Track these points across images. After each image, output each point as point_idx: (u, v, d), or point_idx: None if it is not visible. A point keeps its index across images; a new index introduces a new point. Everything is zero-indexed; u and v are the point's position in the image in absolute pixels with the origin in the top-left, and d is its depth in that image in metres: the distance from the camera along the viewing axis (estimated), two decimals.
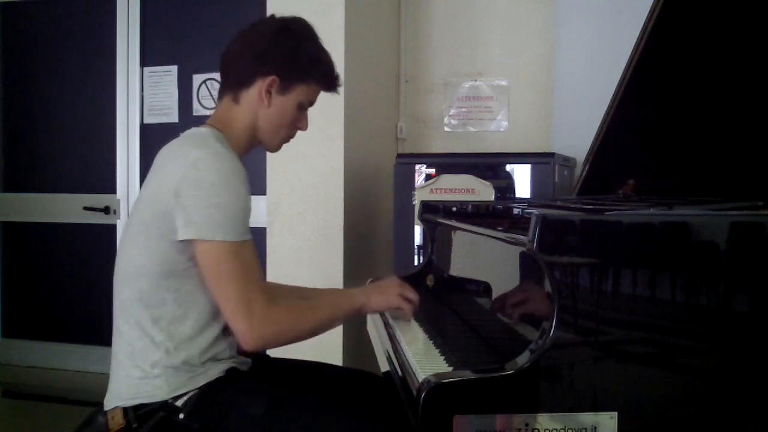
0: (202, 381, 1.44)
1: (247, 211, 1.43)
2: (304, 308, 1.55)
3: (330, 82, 1.61)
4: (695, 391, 1.21)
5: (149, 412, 1.41)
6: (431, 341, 1.55)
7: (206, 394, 1.43)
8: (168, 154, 1.49)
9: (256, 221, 2.97)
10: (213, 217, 1.37)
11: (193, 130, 1.53)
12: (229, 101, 1.57)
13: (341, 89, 1.67)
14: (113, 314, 1.51)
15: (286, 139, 1.63)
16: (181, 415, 1.40)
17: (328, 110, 2.78)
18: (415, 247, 2.80)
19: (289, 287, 1.86)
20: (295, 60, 1.53)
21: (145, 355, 1.43)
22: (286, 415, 1.41)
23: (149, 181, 1.50)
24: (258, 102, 1.54)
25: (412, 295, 1.66)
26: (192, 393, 1.42)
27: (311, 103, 1.62)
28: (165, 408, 1.41)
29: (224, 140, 1.50)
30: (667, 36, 1.89)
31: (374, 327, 1.86)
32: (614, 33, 2.70)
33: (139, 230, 1.46)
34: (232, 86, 1.56)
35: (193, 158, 1.40)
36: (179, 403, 1.41)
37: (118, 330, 1.49)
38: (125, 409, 1.42)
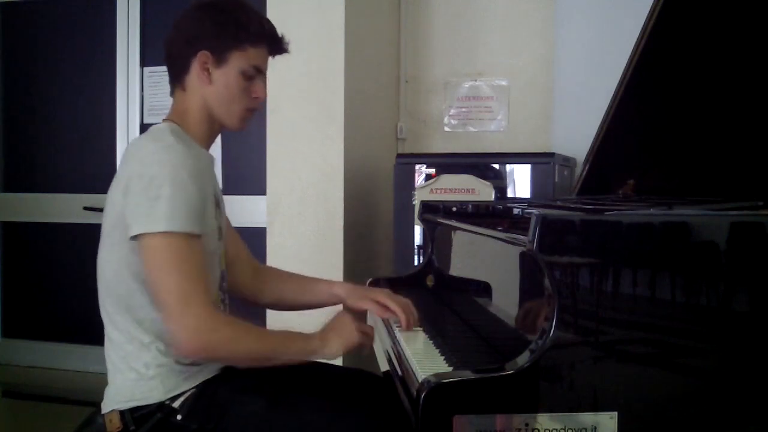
0: (198, 379, 1.43)
1: (192, 203, 1.36)
2: (250, 330, 1.42)
3: (269, 43, 1.55)
4: (695, 391, 1.21)
5: (146, 414, 1.40)
6: (431, 341, 1.55)
7: (203, 393, 1.42)
8: (125, 155, 1.47)
9: (256, 221, 3.00)
10: (154, 209, 1.33)
11: (153, 127, 1.51)
12: (179, 92, 1.54)
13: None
14: (102, 320, 1.50)
15: (246, 113, 1.56)
16: (179, 416, 1.40)
17: (328, 110, 2.78)
18: (415, 247, 2.80)
19: (287, 273, 1.87)
20: (220, 29, 1.49)
21: (137, 357, 1.42)
22: (286, 414, 1.41)
23: (111, 184, 1.47)
24: (200, 82, 1.50)
25: (368, 328, 1.58)
26: (188, 393, 1.41)
27: (258, 69, 1.54)
28: (162, 409, 1.40)
29: (181, 133, 1.48)
30: (667, 36, 1.88)
31: (374, 327, 1.86)
32: (614, 33, 2.70)
33: (106, 235, 1.46)
34: (176, 76, 1.54)
35: (141, 154, 1.40)
36: (176, 404, 1.40)
37: (108, 336, 1.48)
38: (122, 412, 1.41)
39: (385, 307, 1.68)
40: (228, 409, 1.40)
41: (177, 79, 1.54)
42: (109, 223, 1.44)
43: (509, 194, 2.71)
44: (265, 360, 1.43)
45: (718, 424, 1.20)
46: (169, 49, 1.55)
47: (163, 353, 1.42)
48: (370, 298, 1.70)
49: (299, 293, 1.82)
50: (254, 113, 1.59)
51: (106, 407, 1.45)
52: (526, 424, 1.12)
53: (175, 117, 1.53)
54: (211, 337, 1.34)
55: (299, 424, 1.40)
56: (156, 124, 1.54)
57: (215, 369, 1.47)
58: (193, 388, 1.42)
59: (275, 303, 1.87)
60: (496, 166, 2.77)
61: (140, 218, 1.34)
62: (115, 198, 1.41)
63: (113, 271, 1.44)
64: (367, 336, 1.56)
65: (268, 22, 1.56)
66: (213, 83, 1.51)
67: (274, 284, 1.82)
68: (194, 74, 1.51)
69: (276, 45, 1.57)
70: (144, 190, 1.34)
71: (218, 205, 1.56)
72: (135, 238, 1.36)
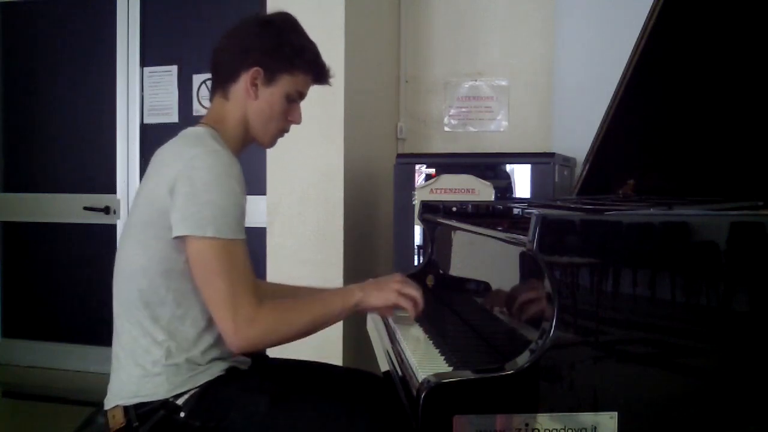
0: (203, 379, 1.44)
1: (239, 209, 1.42)
2: (292, 307, 1.50)
3: (317, 72, 1.61)
4: (695, 391, 1.21)
5: (150, 411, 1.41)
6: (431, 341, 1.55)
7: (207, 392, 1.43)
8: (166, 153, 1.49)
9: (256, 221, 3.00)
10: (203, 214, 1.37)
11: (190, 130, 1.54)
12: (220, 99, 1.58)
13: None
14: (114, 314, 1.51)
15: (279, 133, 1.63)
16: (182, 414, 1.41)
17: (328, 110, 2.78)
18: (415, 247, 2.80)
19: (286, 286, 1.86)
20: (277, 50, 1.54)
21: (146, 354, 1.43)
22: (287, 414, 1.42)
23: (147, 180, 1.50)
24: (245, 96, 1.55)
25: (414, 291, 1.55)
26: (193, 391, 1.42)
27: (301, 95, 1.61)
28: (166, 406, 1.41)
29: (219, 138, 1.51)
30: (667, 36, 1.89)
31: (374, 327, 1.86)
32: (614, 33, 2.70)
33: (138, 229, 1.47)
34: (221, 83, 1.57)
35: (189, 156, 1.41)
36: (180, 401, 1.41)
37: (118, 330, 1.49)
38: (126, 408, 1.42)
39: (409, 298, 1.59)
40: (230, 408, 1.41)
41: (222, 87, 1.57)
42: (143, 219, 1.46)
43: (509, 194, 2.71)
44: (312, 330, 1.47)
45: (718, 424, 1.20)
46: (220, 56, 1.58)
47: (173, 353, 1.43)
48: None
49: None
50: (284, 134, 1.64)
51: (109, 403, 1.46)
52: (526, 424, 1.12)
53: (212, 122, 1.56)
54: (261, 332, 1.39)
55: (301, 424, 1.41)
56: (192, 127, 1.56)
57: (220, 369, 1.47)
58: (197, 387, 1.43)
59: None
60: (496, 166, 2.77)
61: (188, 221, 1.38)
62: (156, 195, 1.42)
63: (140, 264, 1.45)
64: (411, 300, 1.54)
65: (318, 52, 1.61)
66: (258, 99, 1.55)
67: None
68: (242, 86, 1.54)
69: (322, 76, 1.63)
70: (193, 193, 1.38)
71: None
72: (181, 238, 1.39)
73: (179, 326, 1.44)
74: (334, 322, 1.53)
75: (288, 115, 1.60)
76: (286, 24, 1.59)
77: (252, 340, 1.40)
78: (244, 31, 1.57)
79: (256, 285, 1.44)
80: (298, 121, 1.63)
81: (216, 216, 1.38)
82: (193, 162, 1.40)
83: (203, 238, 1.37)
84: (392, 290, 1.54)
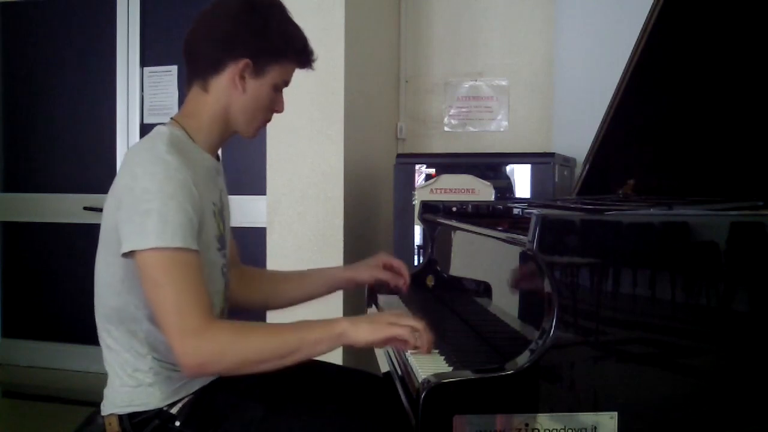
0: (196, 386, 1.41)
1: (184, 215, 1.28)
2: (256, 327, 1.35)
3: (305, 59, 1.48)
4: (695, 391, 1.21)
5: (144, 420, 1.38)
6: None
7: (201, 399, 1.41)
8: (123, 161, 1.40)
9: (256, 221, 3.01)
10: (145, 224, 1.26)
11: (155, 129, 1.41)
12: (197, 90, 1.45)
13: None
14: (96, 326, 1.46)
15: (263, 124, 1.51)
16: (177, 422, 1.38)
17: (328, 110, 2.79)
18: (415, 247, 2.80)
19: (282, 272, 1.85)
20: (266, 39, 1.41)
21: (134, 365, 1.40)
22: (284, 418, 1.40)
23: (109, 191, 1.41)
24: (230, 89, 1.42)
25: (410, 321, 1.34)
26: (187, 399, 1.40)
27: (286, 83, 1.50)
28: (160, 416, 1.38)
29: (184, 138, 1.41)
30: (667, 36, 1.88)
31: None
32: (614, 33, 2.70)
33: (101, 246, 1.42)
34: (200, 74, 1.43)
35: (132, 166, 1.33)
36: (174, 410, 1.39)
37: (104, 342, 1.46)
38: (120, 417, 1.39)
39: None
40: (226, 415, 1.39)
41: (200, 78, 1.44)
42: (104, 236, 1.40)
43: (509, 194, 2.71)
44: (282, 358, 1.28)
45: (718, 424, 1.20)
46: (199, 45, 1.44)
47: (159, 362, 1.39)
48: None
49: (288, 289, 1.79)
50: (266, 124, 1.55)
51: (105, 410, 1.43)
52: (526, 424, 1.12)
53: (184, 118, 1.45)
54: (212, 350, 1.26)
55: (298, 427, 1.40)
56: (159, 124, 1.45)
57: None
58: (191, 394, 1.40)
59: (262, 303, 1.84)
60: (497, 166, 2.77)
61: (131, 235, 1.28)
62: (109, 210, 1.36)
63: (106, 281, 1.40)
64: (408, 330, 1.30)
65: (306, 37, 1.49)
66: (245, 92, 1.43)
67: (255, 285, 1.77)
68: (226, 79, 1.42)
69: (309, 63, 1.50)
70: (134, 205, 1.29)
71: (221, 213, 1.49)
72: (128, 254, 1.30)
73: (159, 337, 1.36)
74: (313, 354, 1.31)
75: (273, 105, 1.49)
76: (271, 7, 1.44)
77: (201, 356, 1.24)
78: (225, 16, 1.42)
79: (209, 302, 1.30)
80: (281, 110, 1.52)
81: (157, 224, 1.25)
82: (135, 171, 1.31)
83: (146, 250, 1.26)
84: (385, 322, 1.33)
